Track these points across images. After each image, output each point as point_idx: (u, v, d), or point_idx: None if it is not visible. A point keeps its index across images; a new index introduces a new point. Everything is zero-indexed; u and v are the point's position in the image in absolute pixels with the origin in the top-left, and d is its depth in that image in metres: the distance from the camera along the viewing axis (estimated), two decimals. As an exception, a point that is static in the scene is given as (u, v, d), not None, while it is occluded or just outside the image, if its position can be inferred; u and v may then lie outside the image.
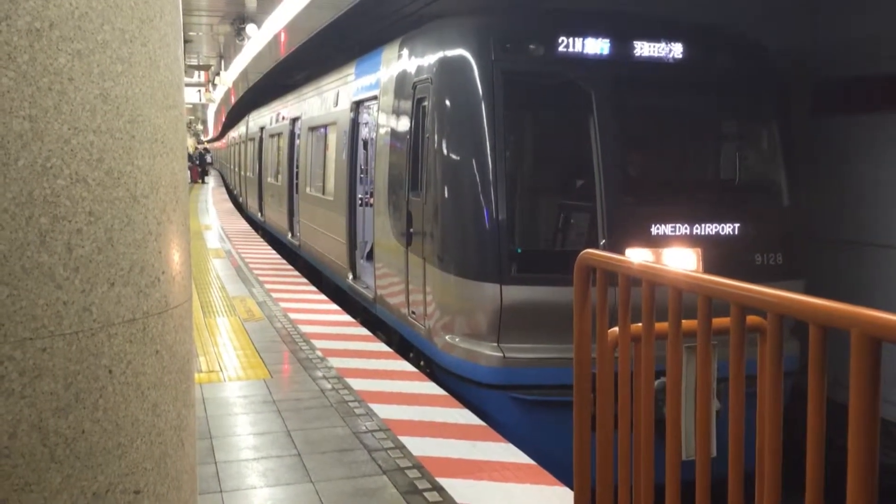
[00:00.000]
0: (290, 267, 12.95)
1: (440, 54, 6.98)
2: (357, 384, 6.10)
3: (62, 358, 1.79)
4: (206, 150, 56.95)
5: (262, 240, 17.38)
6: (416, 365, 7.09)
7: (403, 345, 7.83)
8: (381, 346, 7.45)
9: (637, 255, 6.04)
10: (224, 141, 44.15)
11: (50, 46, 1.75)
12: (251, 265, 12.83)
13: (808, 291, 5.88)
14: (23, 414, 1.74)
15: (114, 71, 1.87)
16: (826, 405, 2.17)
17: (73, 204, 1.80)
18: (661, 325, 2.91)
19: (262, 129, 20.31)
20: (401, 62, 8.06)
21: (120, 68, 1.89)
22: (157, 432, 2.01)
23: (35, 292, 1.75)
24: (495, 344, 6.17)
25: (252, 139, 22.75)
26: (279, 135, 16.82)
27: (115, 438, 1.89)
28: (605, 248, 5.98)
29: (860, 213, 8.00)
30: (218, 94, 30.48)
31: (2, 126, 1.70)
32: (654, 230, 6.33)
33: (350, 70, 10.60)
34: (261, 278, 11.46)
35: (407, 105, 7.62)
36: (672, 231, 6.36)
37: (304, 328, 8.10)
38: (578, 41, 6.56)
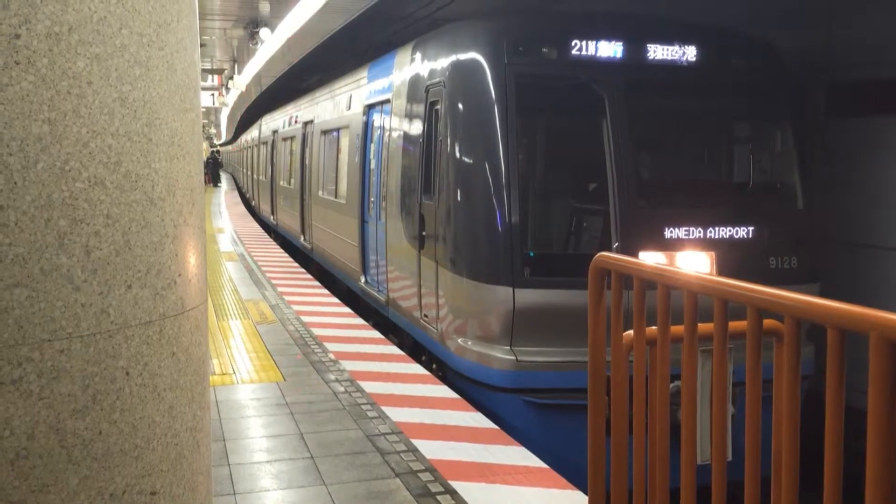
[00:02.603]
0: (302, 270, 12.98)
1: (453, 57, 6.98)
2: (369, 387, 6.11)
3: (80, 360, 1.80)
4: (218, 152, 57.12)
5: (274, 243, 17.43)
6: (429, 368, 7.09)
7: (416, 348, 7.82)
8: (394, 349, 7.45)
9: (650, 259, 6.01)
10: (237, 144, 44.33)
11: (69, 50, 1.76)
12: (264, 268, 12.87)
13: (822, 295, 5.85)
14: (41, 415, 1.75)
15: (132, 75, 1.88)
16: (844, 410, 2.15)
17: (91, 207, 1.81)
18: (676, 329, 2.89)
19: (274, 132, 20.38)
20: (413, 66, 8.06)
21: (138, 72, 1.90)
22: (173, 434, 2.02)
23: (53, 294, 1.76)
24: (508, 347, 6.16)
25: (265, 142, 22.82)
26: (292, 138, 16.86)
27: (131, 440, 1.90)
28: (617, 252, 5.96)
29: (876, 215, 7.94)
30: (231, 98, 30.61)
31: (21, 129, 1.71)
32: (668, 233, 6.30)
33: (362, 74, 10.62)
34: (273, 281, 11.49)
35: (419, 108, 7.62)
36: (686, 234, 6.33)
37: (317, 331, 8.11)
38: (591, 44, 6.55)
